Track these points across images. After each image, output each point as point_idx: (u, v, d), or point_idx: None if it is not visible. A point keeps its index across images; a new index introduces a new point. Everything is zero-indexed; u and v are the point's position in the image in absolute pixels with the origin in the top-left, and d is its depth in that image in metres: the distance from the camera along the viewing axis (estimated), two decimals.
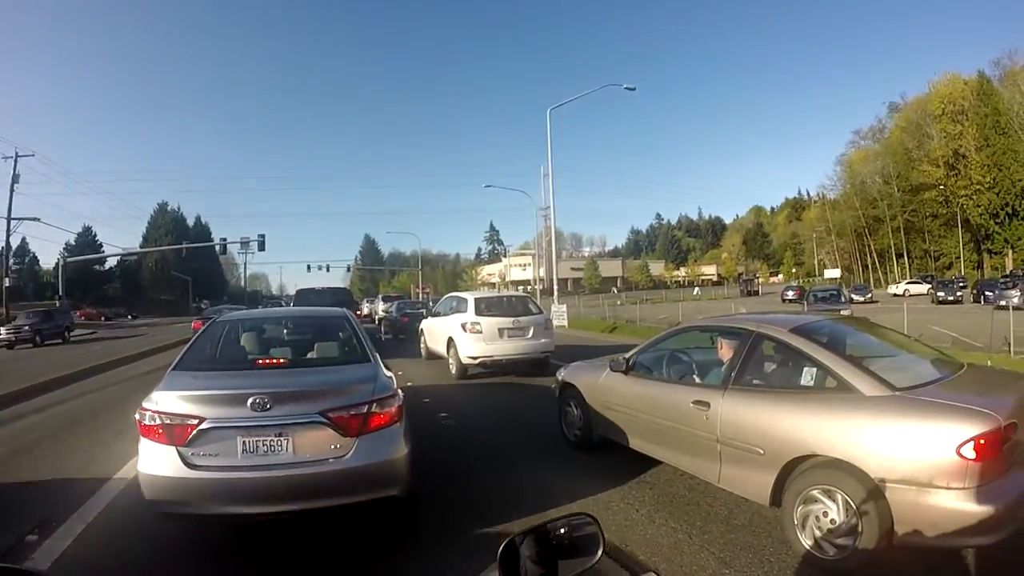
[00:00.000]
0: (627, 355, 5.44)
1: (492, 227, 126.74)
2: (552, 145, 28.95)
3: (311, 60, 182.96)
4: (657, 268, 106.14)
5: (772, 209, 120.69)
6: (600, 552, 1.17)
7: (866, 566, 3.14)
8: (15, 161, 34.41)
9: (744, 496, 4.00)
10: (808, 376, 3.85)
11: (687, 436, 4.39)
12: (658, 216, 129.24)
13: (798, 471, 3.54)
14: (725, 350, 4.70)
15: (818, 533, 3.33)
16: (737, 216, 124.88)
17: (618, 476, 5.06)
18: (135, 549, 4.05)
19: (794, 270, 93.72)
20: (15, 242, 54.55)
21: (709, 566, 3.44)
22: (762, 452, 3.72)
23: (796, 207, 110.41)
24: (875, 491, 3.11)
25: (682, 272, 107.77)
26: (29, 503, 5.00)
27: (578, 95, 30.01)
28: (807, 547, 3.37)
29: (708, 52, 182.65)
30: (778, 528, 3.75)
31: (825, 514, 3.29)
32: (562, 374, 6.44)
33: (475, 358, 11.37)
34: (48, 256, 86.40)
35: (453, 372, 11.88)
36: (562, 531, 1.18)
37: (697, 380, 4.75)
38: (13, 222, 36.32)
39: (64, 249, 60.36)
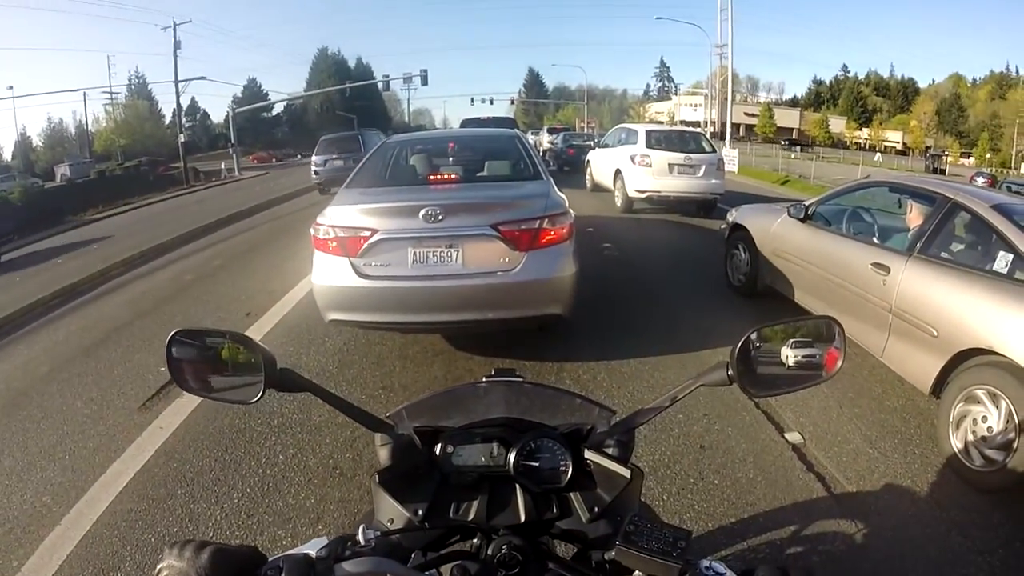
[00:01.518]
0: (807, 202, 5.15)
1: (662, 63, 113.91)
2: None
3: None
4: (838, 125, 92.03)
5: (974, 81, 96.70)
6: (839, 365, 1.06)
7: (1008, 488, 2.86)
8: (174, 29, 37.21)
9: (904, 377, 3.74)
10: (1002, 262, 3.31)
11: (859, 299, 4.12)
12: (844, 68, 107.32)
13: (967, 364, 3.19)
14: (915, 214, 4.18)
15: (970, 438, 3.06)
16: (933, 82, 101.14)
17: None
18: (308, 355, 4.56)
19: (988, 156, 77.57)
20: (186, 102, 60.15)
21: (853, 440, 3.39)
22: (936, 334, 3.37)
23: (1002, 84, 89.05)
24: None
25: (864, 133, 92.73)
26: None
27: None
28: (955, 449, 3.13)
29: None
30: (929, 422, 3.53)
31: (984, 419, 2.99)
32: (734, 215, 6.26)
33: (642, 192, 11.14)
34: (218, 110, 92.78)
35: (618, 205, 11.82)
36: (802, 332, 1.07)
37: (878, 242, 4.34)
38: (182, 84, 40.27)
39: (232, 101, 64.04)
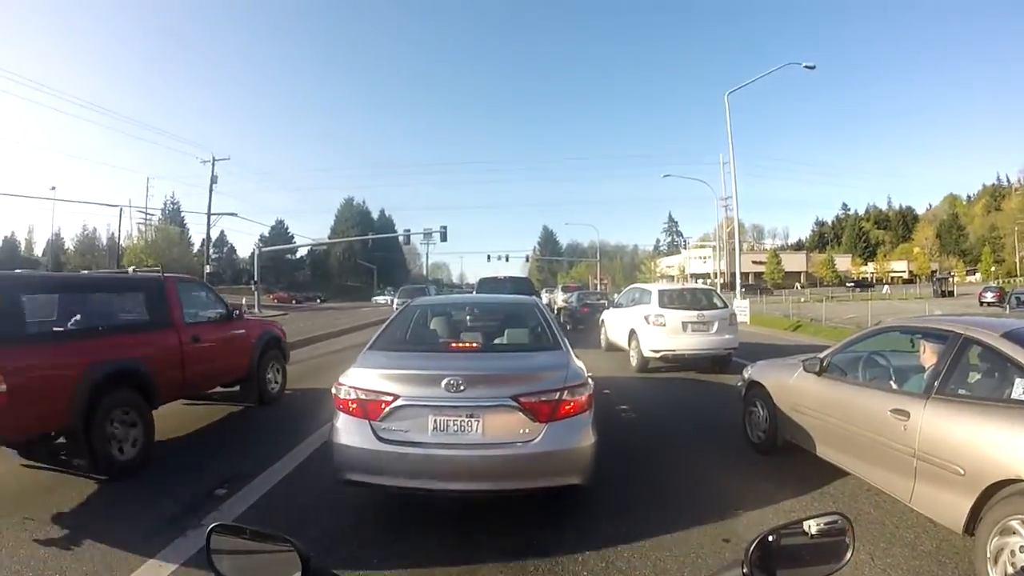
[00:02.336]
0: (821, 355, 5.17)
1: (671, 217, 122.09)
2: (732, 131, 28.48)
3: (486, 57, 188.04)
4: (843, 263, 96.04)
5: (969, 198, 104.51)
6: (848, 556, 1.11)
7: None
8: (212, 164, 39.73)
9: (936, 520, 3.60)
10: (1019, 388, 3.34)
11: (881, 447, 4.06)
12: (844, 206, 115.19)
13: (999, 497, 3.11)
14: (928, 354, 4.24)
15: (1010, 570, 2.91)
16: (930, 206, 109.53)
17: (801, 485, 4.83)
18: (316, 512, 4.39)
19: (993, 268, 79.26)
20: (215, 234, 62.51)
21: None
22: (962, 472, 3.31)
23: (995, 195, 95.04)
24: None
25: (870, 268, 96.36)
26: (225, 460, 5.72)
27: (756, 77, 28.23)
28: None
29: (893, 21, 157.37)
30: (966, 561, 3.36)
31: (1022, 548, 2.88)
32: (749, 372, 6.28)
33: (657, 351, 11.26)
34: (244, 246, 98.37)
35: (633, 365, 11.89)
36: (814, 530, 1.10)
37: (895, 387, 4.35)
38: (213, 217, 42.06)
39: (259, 240, 66.17)
